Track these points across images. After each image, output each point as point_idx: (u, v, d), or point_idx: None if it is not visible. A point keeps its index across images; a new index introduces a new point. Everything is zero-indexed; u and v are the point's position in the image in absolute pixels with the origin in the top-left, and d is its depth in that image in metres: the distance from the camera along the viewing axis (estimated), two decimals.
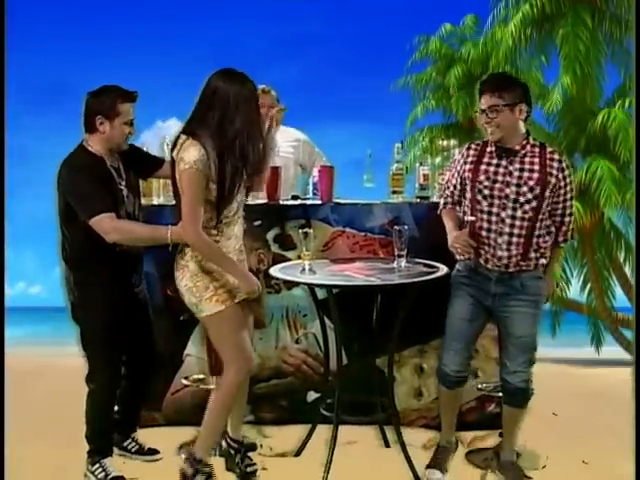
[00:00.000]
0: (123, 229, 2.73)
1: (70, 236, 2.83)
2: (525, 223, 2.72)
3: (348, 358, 3.24)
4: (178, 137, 2.64)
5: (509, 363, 2.82)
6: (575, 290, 12.10)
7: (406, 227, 3.09)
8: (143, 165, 2.99)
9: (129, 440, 3.20)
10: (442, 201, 3.00)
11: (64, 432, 3.25)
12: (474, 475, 3.02)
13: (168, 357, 3.41)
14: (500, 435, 3.12)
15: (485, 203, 2.75)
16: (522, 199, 2.70)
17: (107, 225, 2.69)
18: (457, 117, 12.89)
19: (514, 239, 2.73)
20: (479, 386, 3.43)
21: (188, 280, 2.69)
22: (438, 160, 3.56)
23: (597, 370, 7.45)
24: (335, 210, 3.46)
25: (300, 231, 3.08)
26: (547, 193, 2.70)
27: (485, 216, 2.76)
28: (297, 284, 3.32)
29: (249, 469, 2.96)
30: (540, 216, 2.72)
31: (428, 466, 2.98)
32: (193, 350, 3.49)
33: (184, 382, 3.49)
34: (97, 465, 2.94)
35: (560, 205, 2.77)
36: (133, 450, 3.19)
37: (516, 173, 2.72)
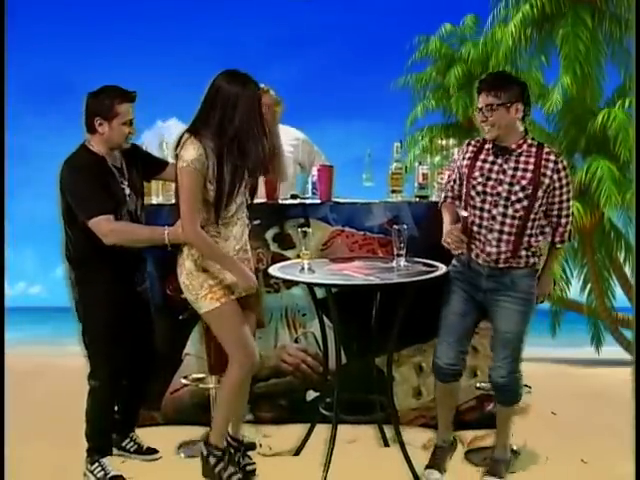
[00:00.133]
0: (120, 231, 2.75)
1: (73, 236, 2.84)
2: (516, 221, 2.73)
3: (347, 357, 3.25)
4: (182, 135, 2.67)
5: (494, 358, 2.86)
6: (575, 290, 12.11)
7: (405, 226, 3.09)
8: (147, 166, 3.00)
9: (128, 440, 3.20)
10: (443, 195, 3.03)
11: (64, 432, 3.25)
12: (474, 475, 3.01)
13: (167, 356, 3.41)
14: None
15: (478, 199, 2.78)
16: (513, 197, 2.72)
17: (104, 227, 2.71)
18: (457, 117, 12.87)
19: (504, 236, 2.75)
20: (477, 385, 3.43)
21: (185, 278, 2.75)
22: (437, 159, 3.56)
23: (597, 370, 7.45)
24: (334, 209, 3.46)
25: (299, 230, 3.09)
26: (540, 193, 2.71)
27: (477, 212, 2.79)
28: (296, 283, 3.32)
29: (248, 468, 2.97)
30: (532, 215, 2.73)
31: (427, 466, 2.98)
32: (192, 349, 3.50)
33: (183, 381, 3.49)
34: (96, 464, 2.94)
35: (556, 206, 2.77)
36: (132, 450, 3.19)
37: (510, 172, 2.73)
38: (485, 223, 2.78)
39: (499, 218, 2.75)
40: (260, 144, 2.68)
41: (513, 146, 2.74)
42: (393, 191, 3.48)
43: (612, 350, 11.66)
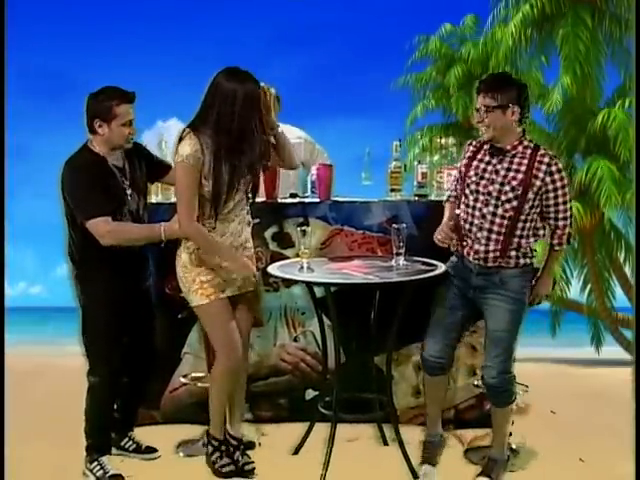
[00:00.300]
0: (117, 232, 2.77)
1: (75, 235, 2.86)
2: (505, 221, 2.75)
3: (346, 356, 3.24)
4: (183, 130, 2.71)
5: (485, 358, 2.87)
6: (575, 290, 12.10)
7: (404, 225, 3.09)
8: (150, 168, 3.01)
9: (127, 439, 3.21)
10: (447, 193, 3.08)
11: (64, 432, 3.25)
12: (474, 474, 3.00)
13: (166, 355, 3.41)
14: None
15: (471, 198, 2.81)
16: (503, 197, 2.74)
17: (101, 229, 2.74)
18: (457, 117, 12.88)
19: (493, 235, 2.77)
20: (475, 382, 3.43)
21: (179, 270, 2.82)
22: (436, 158, 3.56)
23: (597, 370, 7.46)
24: (333, 208, 3.46)
25: (298, 229, 3.08)
26: (530, 195, 2.72)
27: (470, 210, 2.83)
28: (295, 282, 3.32)
29: (247, 467, 2.97)
30: (522, 216, 2.75)
31: (419, 463, 3.03)
32: (191, 348, 3.49)
33: (182, 380, 3.49)
34: (95, 463, 2.95)
35: (552, 209, 2.78)
36: (131, 449, 3.20)
37: (502, 172, 2.75)
38: (476, 221, 2.81)
39: (489, 217, 2.77)
40: (258, 140, 2.70)
41: (508, 147, 2.76)
42: (392, 190, 3.48)
43: (612, 350, 11.65)
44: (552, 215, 2.79)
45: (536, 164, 2.71)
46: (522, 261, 2.81)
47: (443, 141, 3.62)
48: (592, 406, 4.17)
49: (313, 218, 3.44)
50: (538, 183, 2.71)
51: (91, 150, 2.83)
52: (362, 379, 3.26)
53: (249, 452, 3.08)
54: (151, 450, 3.21)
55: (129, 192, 2.86)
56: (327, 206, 3.46)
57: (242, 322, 2.95)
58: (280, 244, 3.44)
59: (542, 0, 11.57)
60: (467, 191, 2.83)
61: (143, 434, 3.28)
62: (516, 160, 2.74)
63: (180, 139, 2.70)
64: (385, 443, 3.31)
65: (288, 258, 3.34)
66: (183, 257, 2.80)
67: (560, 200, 2.76)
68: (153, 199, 3.43)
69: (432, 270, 2.95)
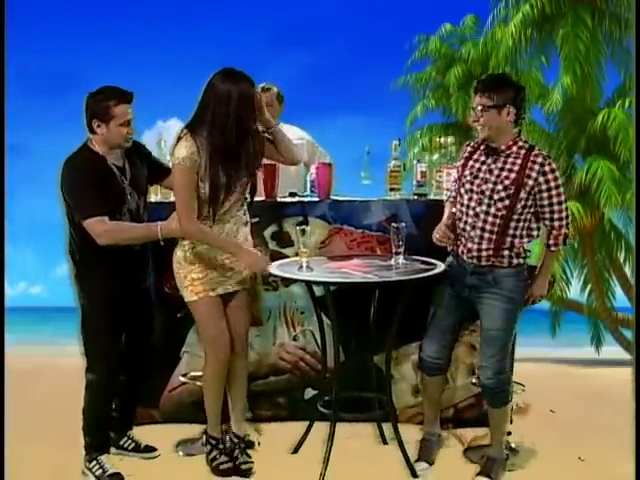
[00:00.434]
0: (114, 231, 2.78)
1: (75, 234, 2.86)
2: (497, 220, 2.77)
3: (346, 355, 3.24)
4: (181, 131, 2.74)
5: (481, 358, 2.88)
6: (575, 290, 12.11)
7: (404, 224, 3.08)
8: (150, 170, 3.01)
9: (125, 438, 3.21)
10: (448, 193, 3.11)
11: (64, 432, 3.24)
12: (473, 472, 3.00)
13: (165, 354, 3.41)
14: None
15: (466, 197, 2.84)
16: (496, 196, 2.76)
17: (98, 229, 2.75)
18: (457, 117, 12.88)
19: (485, 234, 2.79)
20: (474, 381, 3.43)
21: (175, 266, 2.89)
22: (435, 157, 3.56)
23: (597, 370, 7.45)
24: (333, 207, 3.46)
25: (298, 228, 3.08)
26: (522, 194, 2.73)
27: (464, 209, 2.85)
28: (295, 281, 3.32)
29: (243, 466, 2.98)
30: (515, 216, 2.76)
31: (415, 460, 3.05)
32: (190, 347, 3.49)
33: (182, 379, 3.49)
34: (94, 462, 2.96)
35: (547, 209, 2.78)
36: (130, 448, 3.20)
37: (496, 172, 2.78)
38: (469, 220, 2.83)
39: (482, 216, 2.79)
40: (253, 141, 2.72)
41: (503, 147, 2.78)
42: (391, 189, 3.47)
43: (612, 350, 11.66)
44: (547, 215, 2.80)
45: (529, 164, 2.73)
46: (515, 261, 2.82)
47: (442, 140, 3.63)
48: (592, 406, 4.17)
49: (312, 217, 3.44)
50: (531, 182, 2.73)
51: (91, 149, 2.84)
52: (361, 378, 3.27)
53: (248, 451, 3.08)
54: (150, 449, 3.22)
55: (129, 191, 2.87)
56: (326, 205, 3.46)
57: (241, 320, 2.97)
58: (279, 243, 3.44)
59: (542, 0, 11.58)
60: (462, 190, 2.86)
61: (142, 433, 3.28)
62: (510, 160, 2.77)
63: (177, 139, 2.72)
64: (384, 442, 3.31)
65: (287, 257, 3.33)
66: (178, 254, 2.86)
67: (555, 200, 2.76)
68: (152, 198, 3.43)
69: (431, 269, 2.95)
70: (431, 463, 3.07)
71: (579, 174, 10.94)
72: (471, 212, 2.82)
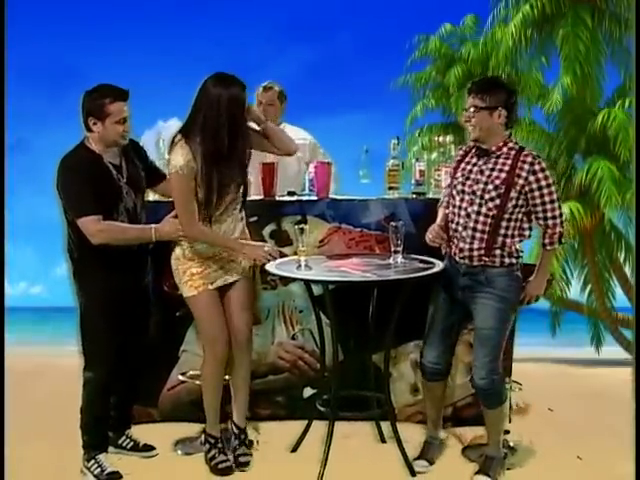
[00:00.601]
0: (108, 231, 2.79)
1: (73, 232, 2.86)
2: (489, 220, 2.79)
3: (344, 354, 3.24)
4: (175, 136, 2.78)
5: (474, 359, 2.89)
6: (575, 290, 12.09)
7: (402, 223, 3.08)
8: (146, 172, 3.01)
9: (124, 437, 3.21)
10: (442, 196, 3.11)
11: (64, 432, 3.23)
12: (472, 471, 3.00)
13: (164, 353, 3.42)
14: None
15: (458, 198, 2.87)
16: (487, 196, 2.78)
17: (92, 228, 2.76)
18: (456, 116, 12.86)
19: (477, 234, 2.81)
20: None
21: (173, 263, 2.92)
22: (434, 156, 3.56)
23: (597, 370, 7.45)
24: (331, 206, 3.46)
25: (296, 227, 3.09)
26: (513, 194, 2.75)
27: (456, 210, 2.87)
28: (293, 280, 3.32)
29: (242, 459, 3.01)
30: (506, 215, 2.78)
31: (415, 458, 3.05)
32: (189, 346, 3.49)
33: (180, 378, 3.49)
34: (92, 461, 2.96)
35: (539, 208, 2.79)
36: (128, 447, 3.20)
37: (487, 172, 2.80)
38: (461, 221, 2.85)
39: (473, 216, 2.81)
40: (244, 142, 2.78)
41: (493, 148, 2.81)
42: (390, 188, 3.47)
43: (612, 350, 11.64)
44: (541, 215, 2.81)
45: (519, 163, 2.76)
46: (507, 260, 2.83)
47: (441, 139, 3.63)
48: (592, 406, 4.16)
49: (311, 216, 3.44)
50: (521, 182, 2.75)
51: (87, 147, 2.84)
52: (360, 377, 3.27)
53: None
54: (149, 448, 3.22)
55: (125, 190, 2.87)
56: (325, 204, 3.46)
57: (243, 311, 2.98)
58: (278, 242, 3.44)
59: (542, 0, 11.58)
60: (454, 192, 2.89)
61: (141, 432, 3.28)
62: (500, 160, 2.80)
63: (172, 144, 2.77)
64: (383, 441, 3.32)
65: (286, 256, 3.33)
66: (177, 250, 2.89)
67: (547, 199, 2.77)
68: (150, 197, 3.43)
69: (430, 268, 2.95)
70: (431, 463, 3.07)
71: (579, 174, 10.93)
72: (463, 213, 2.84)
